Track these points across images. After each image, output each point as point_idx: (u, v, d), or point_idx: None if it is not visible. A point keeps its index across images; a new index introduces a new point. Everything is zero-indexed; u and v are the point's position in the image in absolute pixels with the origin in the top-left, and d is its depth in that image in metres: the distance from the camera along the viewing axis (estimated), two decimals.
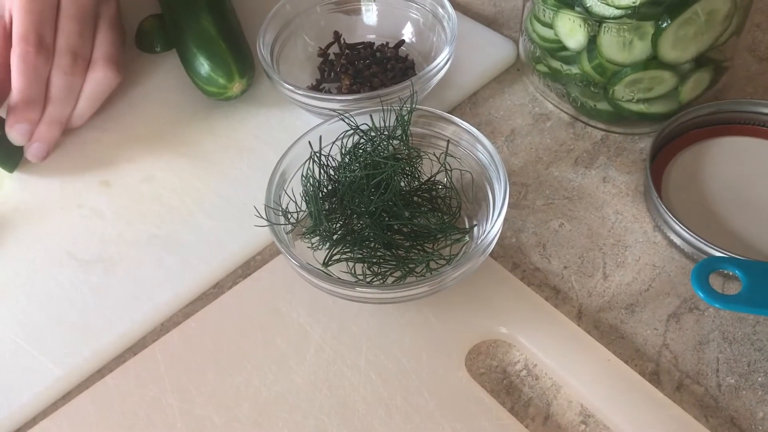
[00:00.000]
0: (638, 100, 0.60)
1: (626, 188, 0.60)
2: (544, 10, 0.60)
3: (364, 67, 0.66)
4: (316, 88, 0.66)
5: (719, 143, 0.60)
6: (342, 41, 0.68)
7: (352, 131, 0.56)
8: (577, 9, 0.56)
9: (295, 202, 0.54)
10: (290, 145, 0.54)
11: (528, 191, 0.60)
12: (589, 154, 0.62)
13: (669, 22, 0.54)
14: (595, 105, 0.62)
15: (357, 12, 0.70)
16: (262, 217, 0.51)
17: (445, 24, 0.64)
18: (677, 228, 0.54)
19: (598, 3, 0.54)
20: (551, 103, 0.66)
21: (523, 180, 0.61)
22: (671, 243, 0.55)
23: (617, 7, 0.54)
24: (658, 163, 0.60)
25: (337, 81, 0.66)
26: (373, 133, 0.55)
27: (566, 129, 0.64)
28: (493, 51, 0.69)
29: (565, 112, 0.65)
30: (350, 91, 0.64)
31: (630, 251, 0.55)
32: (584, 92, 0.61)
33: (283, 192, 0.53)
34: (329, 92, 0.65)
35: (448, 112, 0.65)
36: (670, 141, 0.61)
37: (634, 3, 0.53)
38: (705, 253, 0.53)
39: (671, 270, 0.54)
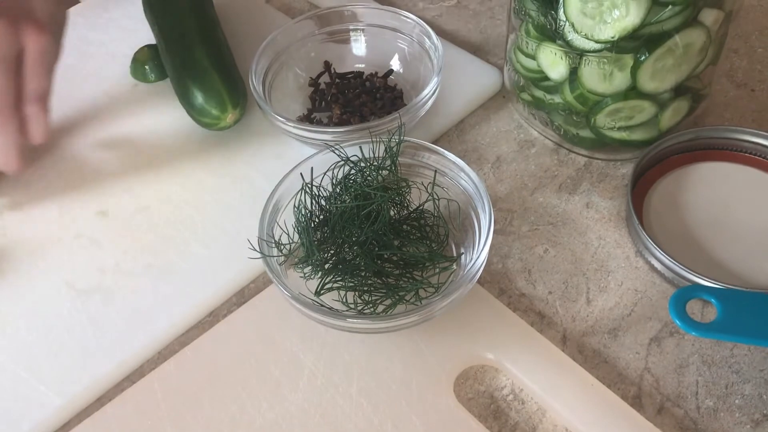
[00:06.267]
0: (619, 128, 0.61)
1: (608, 214, 0.61)
2: (527, 42, 0.62)
3: (354, 97, 0.67)
4: (307, 117, 0.67)
5: (698, 169, 0.62)
6: (332, 71, 0.70)
7: (342, 162, 0.57)
8: (559, 42, 0.58)
9: (288, 234, 0.55)
10: (282, 178, 0.56)
11: (514, 217, 0.62)
12: (572, 180, 0.64)
13: (647, 55, 0.56)
14: (577, 132, 0.64)
15: (346, 41, 0.71)
16: (255, 250, 0.52)
17: (432, 55, 0.66)
18: (658, 254, 0.56)
19: (579, 37, 0.56)
20: (536, 130, 0.68)
21: (508, 206, 0.63)
22: (652, 268, 0.57)
23: (597, 41, 0.56)
24: (640, 188, 0.61)
25: (327, 110, 0.68)
26: (362, 164, 0.57)
27: (550, 155, 0.66)
28: (479, 79, 0.71)
29: (549, 139, 0.67)
30: (340, 121, 0.66)
31: (612, 276, 0.57)
32: (567, 120, 0.63)
33: (276, 223, 0.55)
34: (320, 122, 0.67)
35: (436, 140, 0.68)
36: (651, 167, 0.63)
37: (612, 37, 0.54)
38: (685, 279, 0.54)
39: (652, 294, 0.56)
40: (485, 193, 0.53)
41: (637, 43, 0.55)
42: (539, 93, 0.64)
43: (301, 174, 0.57)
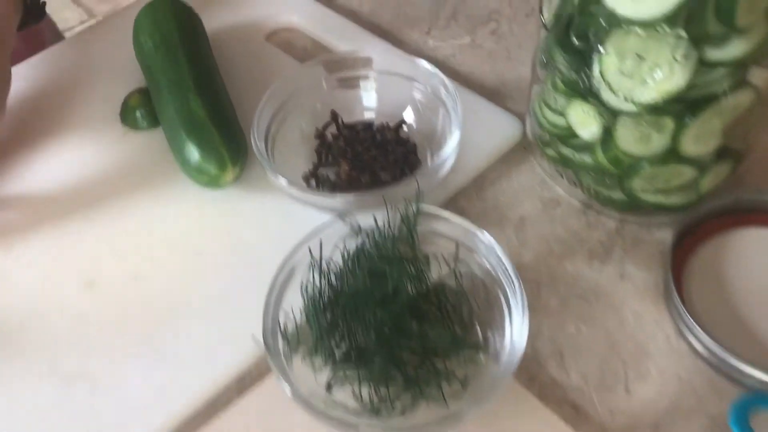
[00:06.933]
0: (656, 191, 0.56)
1: (645, 286, 0.56)
2: (555, 98, 0.56)
3: (364, 151, 0.62)
4: (313, 173, 0.62)
5: (743, 234, 0.57)
6: (340, 121, 0.65)
7: (354, 232, 0.52)
8: (591, 100, 0.53)
9: (294, 317, 0.50)
10: (285, 257, 0.50)
11: (541, 289, 0.56)
12: (603, 245, 0.59)
13: (692, 118, 0.50)
14: (609, 194, 0.58)
15: (355, 88, 0.66)
16: (258, 343, 0.47)
17: (450, 107, 0.60)
18: (701, 336, 0.51)
19: (615, 97, 0.51)
20: (561, 187, 0.62)
21: (535, 276, 0.57)
22: (696, 352, 0.52)
23: (636, 104, 0.50)
24: (678, 256, 0.56)
25: (335, 165, 0.62)
26: (377, 236, 0.52)
27: (578, 217, 0.61)
28: (497, 128, 0.66)
29: (576, 198, 0.62)
30: (349, 177, 0.60)
31: (653, 361, 0.52)
32: (597, 181, 0.58)
33: (281, 308, 0.49)
34: (327, 179, 0.61)
35: (454, 197, 0.63)
36: (690, 232, 0.57)
37: (655, 101, 0.49)
38: (734, 369, 0.49)
39: (698, 383, 0.51)
40: (518, 283, 0.48)
41: (681, 105, 0.50)
42: (567, 151, 0.59)
43: (309, 249, 0.51)
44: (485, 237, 0.51)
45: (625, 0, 0.46)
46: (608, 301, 0.55)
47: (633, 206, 0.59)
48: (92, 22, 2.12)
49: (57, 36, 0.99)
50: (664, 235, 0.59)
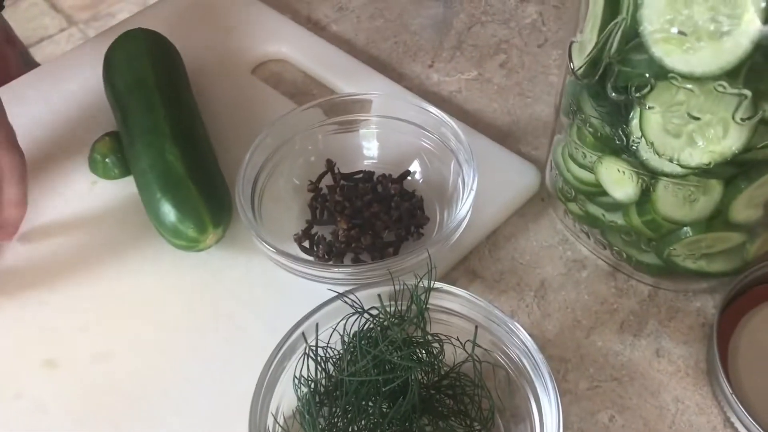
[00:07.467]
0: (697, 257, 0.50)
1: (685, 365, 0.49)
2: (583, 153, 0.49)
3: (364, 206, 0.55)
4: (306, 233, 0.55)
5: None
6: (336, 171, 0.57)
7: (356, 314, 0.45)
8: (627, 158, 0.46)
9: (285, 420, 0.43)
10: (276, 346, 0.43)
11: (568, 369, 0.50)
12: (636, 316, 0.52)
13: (747, 183, 0.44)
14: (641, 258, 0.52)
15: (353, 133, 0.59)
16: None
17: (461, 159, 0.54)
18: (753, 427, 0.44)
19: (657, 158, 0.44)
20: (586, 247, 0.56)
21: (560, 353, 0.50)
22: None
23: (683, 166, 0.43)
24: (723, 329, 0.50)
25: (331, 223, 0.55)
26: (382, 317, 0.45)
27: (606, 281, 0.54)
28: (512, 177, 0.59)
29: (603, 260, 0.55)
30: (348, 237, 0.53)
31: None
32: (629, 243, 0.51)
33: (270, 412, 0.42)
34: (322, 239, 0.54)
35: (465, 257, 0.56)
36: (733, 301, 0.51)
37: (707, 165, 0.42)
38: None
39: None
40: (552, 382, 0.41)
41: (734, 167, 0.44)
42: (594, 209, 0.52)
43: (303, 335, 0.44)
44: (514, 325, 0.44)
45: (675, 50, 0.39)
46: (644, 383, 0.49)
47: (667, 271, 0.52)
48: (72, 29, 2.04)
49: (27, 60, 0.91)
50: (704, 304, 0.52)
